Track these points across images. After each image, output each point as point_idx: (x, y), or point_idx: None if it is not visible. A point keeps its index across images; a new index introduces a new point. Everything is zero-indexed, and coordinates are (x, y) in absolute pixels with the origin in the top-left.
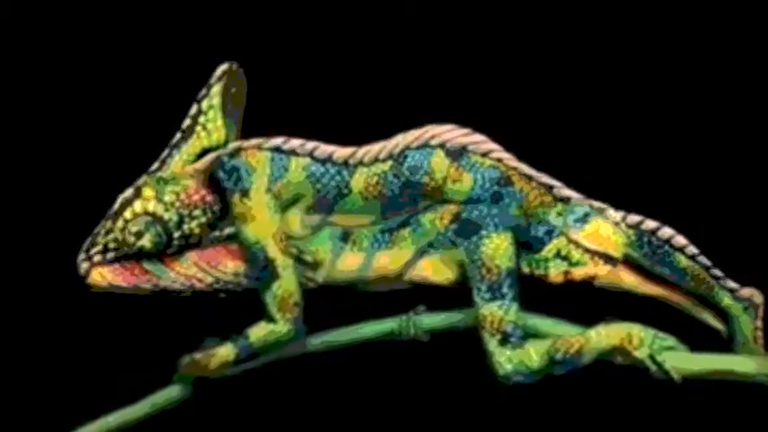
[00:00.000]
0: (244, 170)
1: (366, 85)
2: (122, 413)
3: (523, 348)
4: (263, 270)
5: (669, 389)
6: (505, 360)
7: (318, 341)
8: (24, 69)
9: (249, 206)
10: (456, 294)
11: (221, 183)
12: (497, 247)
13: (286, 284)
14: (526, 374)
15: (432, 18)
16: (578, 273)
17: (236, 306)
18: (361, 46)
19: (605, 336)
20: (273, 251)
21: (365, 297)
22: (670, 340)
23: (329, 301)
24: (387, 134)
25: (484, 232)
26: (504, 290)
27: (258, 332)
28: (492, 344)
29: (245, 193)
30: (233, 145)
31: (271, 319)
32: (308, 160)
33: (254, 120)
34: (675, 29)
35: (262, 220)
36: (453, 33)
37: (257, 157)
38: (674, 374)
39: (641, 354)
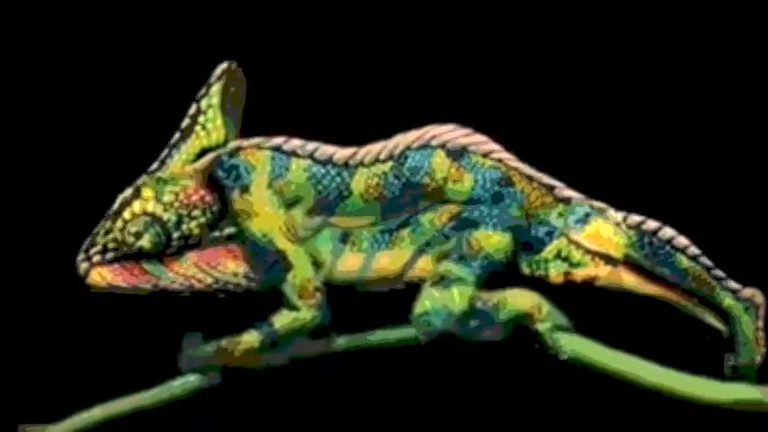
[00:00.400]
0: (243, 168)
1: (366, 84)
2: (137, 398)
3: (448, 290)
4: (271, 267)
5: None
6: (427, 297)
7: (342, 342)
8: (23, 69)
9: (250, 202)
10: None
11: (220, 181)
12: (489, 237)
13: (301, 272)
14: (442, 317)
15: (432, 17)
16: (579, 274)
17: (234, 306)
18: (361, 45)
19: (520, 298)
20: (282, 242)
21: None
22: (564, 320)
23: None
24: (387, 134)
25: (482, 227)
26: (473, 263)
27: (282, 320)
28: (425, 286)
29: (245, 190)
30: (232, 144)
31: (293, 308)
32: (308, 162)
33: (253, 120)
34: (675, 29)
35: (265, 214)
36: (454, 33)
37: (257, 155)
38: (563, 353)
39: (543, 327)
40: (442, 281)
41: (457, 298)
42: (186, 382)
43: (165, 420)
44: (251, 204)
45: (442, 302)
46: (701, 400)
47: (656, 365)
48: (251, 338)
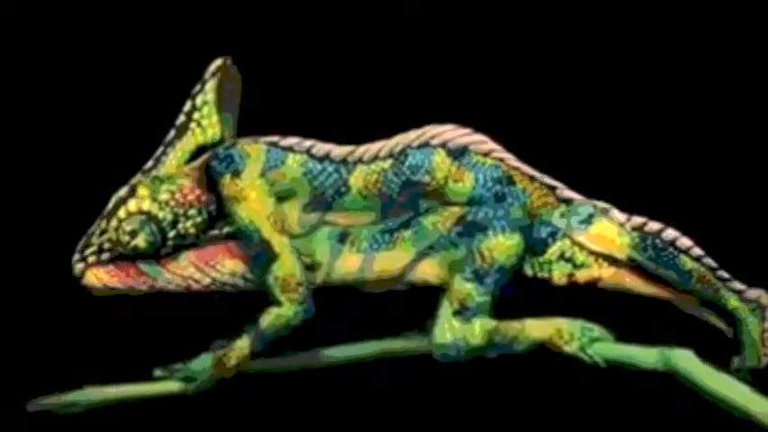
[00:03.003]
0: (237, 155)
1: (365, 84)
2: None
3: (470, 323)
4: (258, 258)
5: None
6: (449, 329)
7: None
8: (16, 68)
9: (240, 187)
10: None
11: (213, 169)
12: (500, 244)
13: (285, 265)
14: (462, 349)
15: (431, 17)
16: (582, 275)
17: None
18: (360, 45)
19: (537, 328)
20: (268, 232)
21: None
22: (597, 331)
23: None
24: (386, 134)
25: (490, 232)
26: (488, 280)
27: (267, 318)
28: (446, 311)
29: (236, 175)
30: (229, 142)
31: (276, 303)
32: (305, 157)
33: (250, 119)
34: (677, 29)
35: (254, 200)
36: (453, 33)
37: (253, 147)
38: (601, 363)
39: (571, 348)
40: (464, 311)
41: (478, 332)
42: None
43: None
44: (240, 190)
45: (462, 334)
46: None
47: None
48: (242, 344)
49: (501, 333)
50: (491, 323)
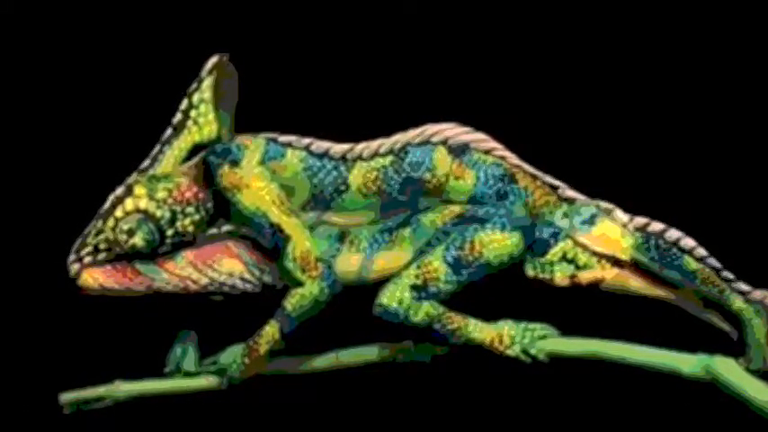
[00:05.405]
0: (235, 146)
1: (364, 83)
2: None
3: (419, 303)
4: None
5: None
6: (398, 298)
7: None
8: (10, 66)
9: (240, 175)
10: (457, 295)
11: (211, 164)
12: (493, 240)
13: (300, 244)
14: (399, 320)
15: (431, 14)
16: (585, 276)
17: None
18: (360, 43)
19: (479, 330)
20: (276, 215)
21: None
22: (540, 329)
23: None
24: (384, 133)
25: (489, 226)
26: (465, 271)
27: (292, 300)
28: (405, 279)
29: (234, 164)
30: (226, 139)
31: (298, 284)
32: (304, 153)
33: (247, 116)
34: (677, 28)
35: (256, 187)
36: (453, 31)
37: (251, 140)
38: (546, 361)
39: (513, 352)
40: (423, 290)
41: (421, 315)
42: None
43: None
44: (241, 178)
45: (406, 308)
46: None
47: None
48: (271, 330)
49: (442, 322)
50: (438, 309)
